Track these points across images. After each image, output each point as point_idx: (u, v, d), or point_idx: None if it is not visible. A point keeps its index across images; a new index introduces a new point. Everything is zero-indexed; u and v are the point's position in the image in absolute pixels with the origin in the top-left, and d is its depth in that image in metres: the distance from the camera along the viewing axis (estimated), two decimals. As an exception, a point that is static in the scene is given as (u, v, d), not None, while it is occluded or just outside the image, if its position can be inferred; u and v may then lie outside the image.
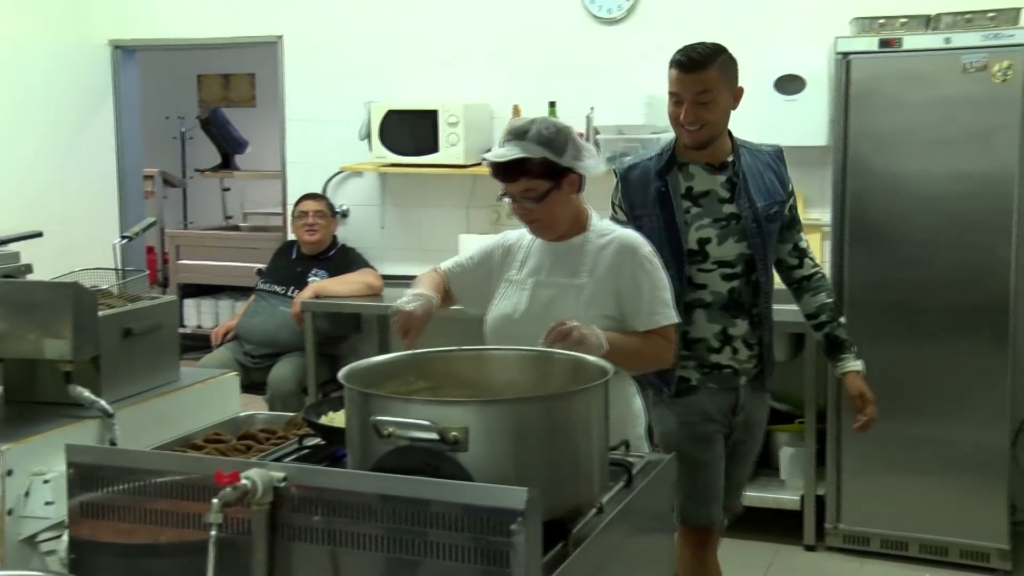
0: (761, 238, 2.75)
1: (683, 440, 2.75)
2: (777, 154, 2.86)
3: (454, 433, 1.65)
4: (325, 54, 5.18)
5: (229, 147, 7.68)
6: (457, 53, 4.94)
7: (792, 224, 2.86)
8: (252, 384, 4.77)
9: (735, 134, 2.83)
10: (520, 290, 2.50)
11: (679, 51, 2.70)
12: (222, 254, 6.94)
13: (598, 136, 4.51)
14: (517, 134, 2.39)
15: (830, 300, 2.91)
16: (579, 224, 2.50)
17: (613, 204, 2.86)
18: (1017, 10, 3.75)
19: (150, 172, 7.05)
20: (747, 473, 3.01)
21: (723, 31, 4.48)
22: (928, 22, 3.86)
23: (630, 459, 2.13)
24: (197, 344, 6.29)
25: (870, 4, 4.10)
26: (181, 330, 6.27)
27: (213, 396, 2.83)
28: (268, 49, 5.36)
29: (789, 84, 4.23)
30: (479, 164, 4.54)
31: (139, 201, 5.90)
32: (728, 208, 2.74)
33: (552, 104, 4.63)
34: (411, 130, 4.76)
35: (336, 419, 2.18)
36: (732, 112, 2.75)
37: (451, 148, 4.64)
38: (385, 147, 4.80)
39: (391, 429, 1.68)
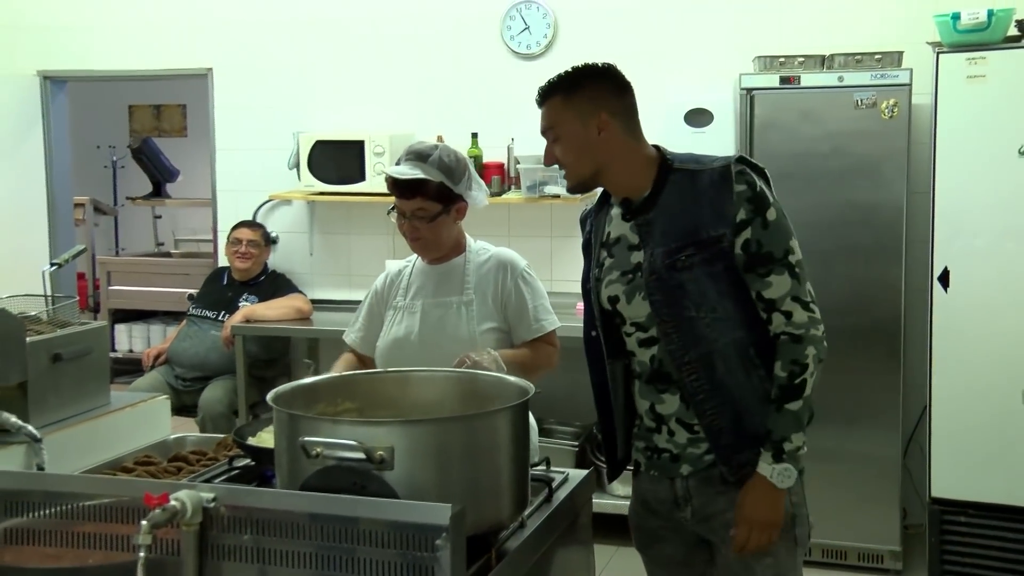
0: (663, 293, 2.12)
1: (632, 528, 2.40)
2: (723, 171, 2.11)
3: (380, 452, 1.68)
4: (254, 86, 5.26)
5: (160, 176, 7.68)
6: (384, 86, 5.05)
7: (751, 265, 2.10)
8: (183, 407, 4.80)
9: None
10: (409, 314, 2.63)
11: None
12: (153, 280, 6.97)
13: (519, 165, 4.66)
14: (419, 156, 2.53)
15: (782, 375, 2.10)
16: (459, 247, 2.67)
17: None
18: (900, 53, 4.04)
19: (81, 200, 7.03)
20: None
21: (636, 67, 4.70)
22: (823, 61, 4.11)
23: (551, 474, 2.23)
24: (129, 368, 6.33)
25: (771, 43, 4.36)
26: (112, 355, 6.32)
27: (144, 419, 2.79)
28: (199, 80, 5.41)
29: (698, 117, 4.42)
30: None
31: (69, 229, 5.88)
32: (636, 257, 2.19)
33: (475, 135, 4.76)
34: (338, 159, 4.84)
35: (265, 440, 2.21)
36: (622, 145, 2.16)
37: (377, 177, 4.70)
38: (313, 176, 4.87)
39: (319, 449, 1.71)
